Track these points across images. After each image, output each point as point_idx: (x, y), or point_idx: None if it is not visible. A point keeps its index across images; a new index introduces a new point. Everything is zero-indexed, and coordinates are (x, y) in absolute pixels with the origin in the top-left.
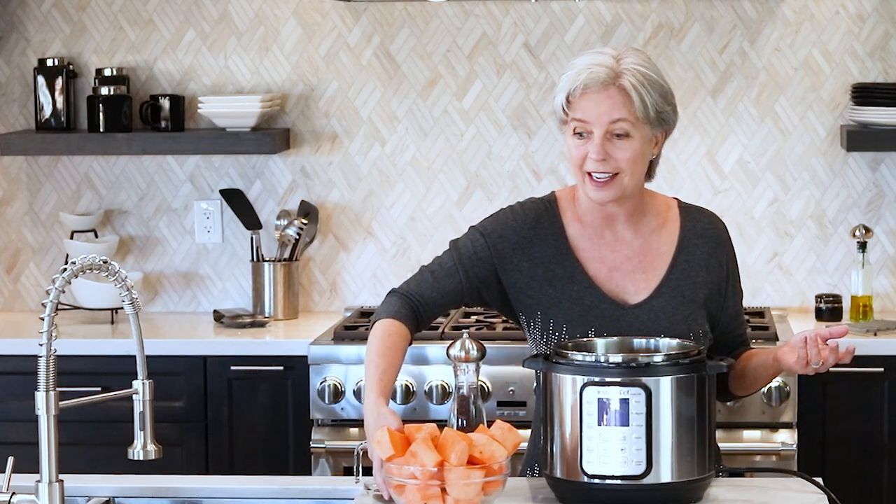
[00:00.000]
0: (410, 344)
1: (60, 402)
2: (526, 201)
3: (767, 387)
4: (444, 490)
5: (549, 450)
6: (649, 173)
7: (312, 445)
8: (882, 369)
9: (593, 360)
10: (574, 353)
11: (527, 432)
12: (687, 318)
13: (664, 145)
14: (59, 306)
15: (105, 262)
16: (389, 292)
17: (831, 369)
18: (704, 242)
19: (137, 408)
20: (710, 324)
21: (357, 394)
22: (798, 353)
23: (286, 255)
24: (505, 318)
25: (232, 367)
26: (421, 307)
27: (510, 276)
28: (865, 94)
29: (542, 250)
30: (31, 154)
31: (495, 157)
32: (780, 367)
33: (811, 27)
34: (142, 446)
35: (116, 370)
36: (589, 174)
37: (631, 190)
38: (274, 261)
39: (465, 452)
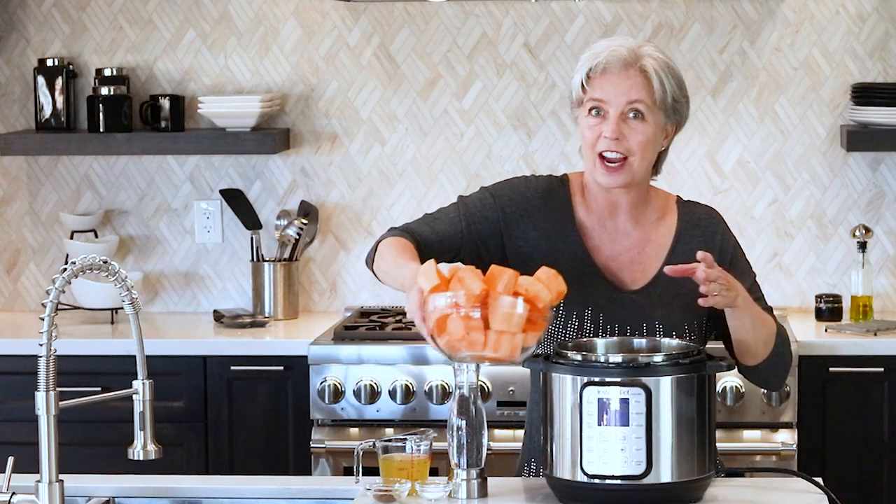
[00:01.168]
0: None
1: (60, 402)
2: (540, 175)
3: None
4: (486, 326)
5: (549, 450)
6: (656, 167)
7: (312, 445)
8: (882, 369)
9: (593, 360)
10: (574, 353)
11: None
12: (683, 307)
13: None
14: (59, 306)
15: (105, 262)
16: (388, 229)
17: (831, 369)
18: (701, 231)
19: (137, 408)
20: (709, 312)
21: (357, 394)
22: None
23: (286, 255)
24: None
25: (232, 367)
26: (419, 243)
27: (515, 243)
28: (865, 94)
29: (548, 223)
30: (31, 154)
31: (495, 157)
32: (734, 312)
33: (811, 27)
34: (142, 446)
35: (116, 370)
36: (601, 156)
37: (639, 177)
38: (274, 261)
39: (512, 283)
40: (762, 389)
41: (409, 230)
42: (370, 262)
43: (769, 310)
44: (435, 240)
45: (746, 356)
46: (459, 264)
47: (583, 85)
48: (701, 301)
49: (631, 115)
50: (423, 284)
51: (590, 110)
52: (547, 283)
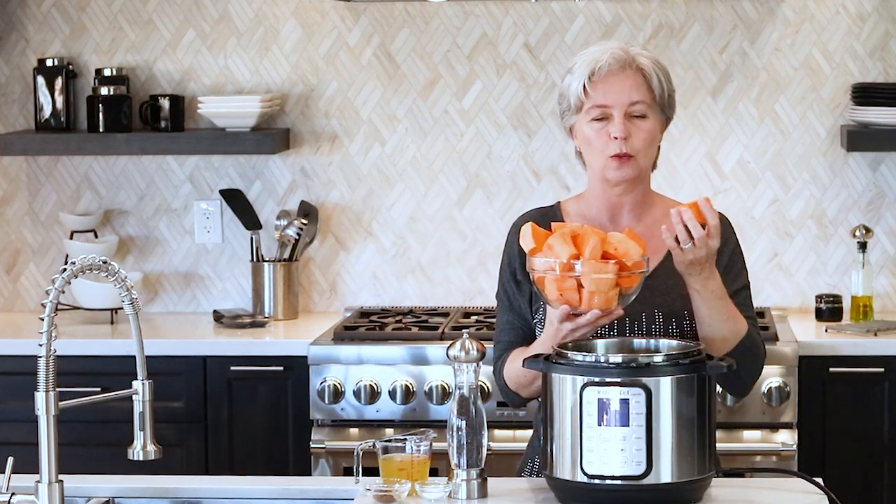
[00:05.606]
0: None
1: (60, 402)
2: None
3: (768, 387)
4: (580, 285)
5: (549, 450)
6: (653, 163)
7: (312, 446)
8: (882, 369)
9: (593, 360)
10: (574, 353)
11: (527, 432)
12: (682, 297)
13: (663, 142)
14: (59, 306)
15: (105, 263)
16: (497, 363)
17: (831, 369)
18: None
19: (137, 408)
20: None
21: (357, 394)
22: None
23: (286, 255)
24: None
25: (232, 368)
26: (518, 345)
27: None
28: (865, 94)
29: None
30: (30, 154)
31: (495, 157)
32: (690, 287)
33: (811, 27)
34: (142, 447)
35: (116, 370)
36: (609, 157)
37: (644, 173)
38: (274, 261)
39: (599, 247)
40: (761, 390)
41: (506, 350)
42: (509, 388)
43: (752, 319)
44: (522, 336)
45: (709, 348)
46: (558, 226)
47: (585, 89)
48: (677, 259)
49: (633, 115)
50: (524, 246)
51: (592, 116)
52: (636, 239)
